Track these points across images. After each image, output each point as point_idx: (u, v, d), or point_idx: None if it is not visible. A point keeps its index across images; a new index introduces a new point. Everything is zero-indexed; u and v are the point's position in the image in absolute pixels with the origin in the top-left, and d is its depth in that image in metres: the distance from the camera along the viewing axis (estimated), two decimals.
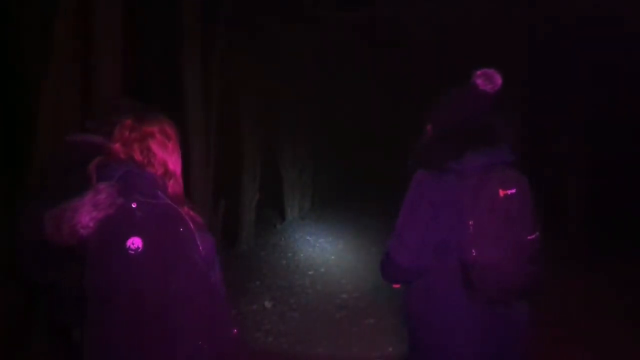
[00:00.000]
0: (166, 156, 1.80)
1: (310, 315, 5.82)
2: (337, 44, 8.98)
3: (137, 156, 1.76)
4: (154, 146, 1.78)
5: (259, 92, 9.64)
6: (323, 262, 8.59)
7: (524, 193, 1.99)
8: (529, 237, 1.96)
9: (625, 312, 5.49)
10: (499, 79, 2.14)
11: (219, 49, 7.75)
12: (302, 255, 9.09)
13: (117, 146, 1.78)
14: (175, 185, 1.81)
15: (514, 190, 1.95)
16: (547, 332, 4.49)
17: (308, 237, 10.64)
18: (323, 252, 9.44)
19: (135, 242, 1.55)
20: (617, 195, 9.23)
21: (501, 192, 1.93)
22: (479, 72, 2.16)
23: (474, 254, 1.89)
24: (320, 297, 6.53)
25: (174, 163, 1.83)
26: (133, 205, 1.60)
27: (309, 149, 13.29)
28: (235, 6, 7.79)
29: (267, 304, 6.11)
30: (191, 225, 1.66)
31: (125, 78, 4.34)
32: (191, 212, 1.74)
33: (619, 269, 7.19)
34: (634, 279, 6.71)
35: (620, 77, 7.51)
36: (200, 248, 1.66)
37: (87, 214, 1.60)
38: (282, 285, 7.07)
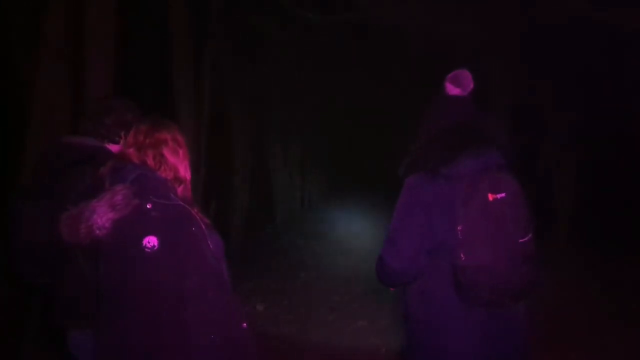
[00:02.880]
0: (177, 163, 1.87)
1: (302, 317, 5.80)
2: (328, 46, 8.99)
3: (150, 161, 1.82)
4: (167, 153, 1.85)
5: (250, 94, 9.63)
6: (315, 263, 8.59)
7: (515, 196, 1.99)
8: (521, 240, 1.96)
9: (614, 311, 5.56)
10: (469, 81, 2.14)
11: (210, 51, 7.74)
12: (293, 257, 9.08)
13: (131, 150, 1.84)
14: (184, 190, 1.88)
15: (503, 194, 1.95)
16: (537, 332, 4.52)
17: (299, 239, 10.63)
18: (314, 253, 9.43)
19: (151, 241, 1.63)
20: (605, 197, 9.33)
21: (490, 196, 1.93)
22: (449, 75, 2.16)
23: (463, 257, 1.90)
24: (313, 299, 6.52)
25: (184, 170, 1.90)
26: (148, 206, 1.68)
27: (299, 151, 13.30)
28: (226, 9, 7.79)
29: (259, 307, 6.09)
30: (202, 225, 1.74)
31: (115, 79, 4.32)
32: (200, 214, 1.81)
33: (608, 269, 7.27)
34: (622, 278, 6.78)
35: (609, 79, 7.59)
36: (211, 246, 1.74)
37: (104, 214, 1.67)
38: (273, 287, 7.05)
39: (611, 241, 8.45)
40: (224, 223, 9.24)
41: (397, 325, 4.58)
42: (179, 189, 1.86)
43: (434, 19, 7.14)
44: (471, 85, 2.13)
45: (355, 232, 11.23)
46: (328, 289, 6.99)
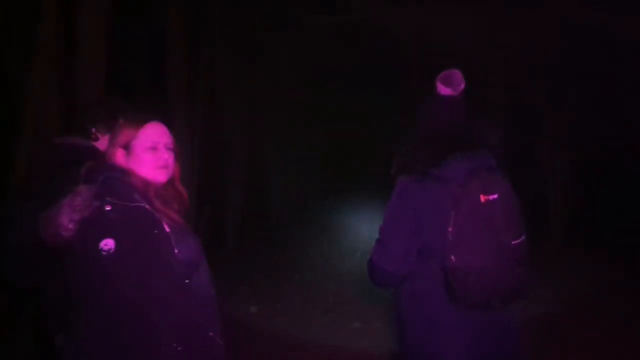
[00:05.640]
0: None
1: (296, 319, 5.79)
2: (325, 47, 8.99)
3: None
4: None
5: (246, 95, 9.62)
6: (309, 265, 8.57)
7: (507, 198, 1.98)
8: (513, 242, 1.95)
9: (613, 312, 5.57)
10: (460, 81, 2.12)
11: (205, 52, 7.73)
12: (288, 258, 9.06)
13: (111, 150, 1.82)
14: (171, 190, 1.84)
15: (495, 196, 1.94)
16: (535, 334, 4.53)
17: (294, 241, 10.61)
18: (309, 255, 9.41)
19: (108, 244, 1.59)
20: (601, 198, 9.36)
21: (482, 198, 1.92)
22: (439, 75, 2.15)
23: (453, 259, 1.89)
24: (307, 301, 6.50)
25: None
26: (107, 208, 1.64)
27: (295, 153, 13.29)
28: (222, 10, 7.78)
29: (253, 309, 6.07)
30: (166, 227, 1.68)
31: (109, 80, 4.31)
32: (174, 215, 1.76)
33: (604, 271, 7.29)
34: (619, 279, 6.80)
35: (606, 81, 7.61)
36: (176, 250, 1.68)
37: (66, 215, 1.64)
38: (268, 289, 7.04)
39: (607, 243, 8.48)
40: (219, 225, 9.22)
41: (391, 327, 4.57)
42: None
43: (433, 20, 7.16)
44: (462, 85, 2.11)
45: (350, 233, 11.22)
46: (323, 290, 6.98)
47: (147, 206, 1.68)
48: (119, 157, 1.79)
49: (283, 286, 7.23)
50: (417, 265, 2.00)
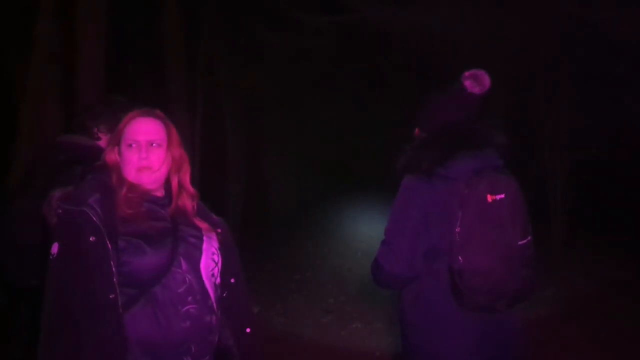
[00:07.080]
0: None
1: (296, 320, 5.78)
2: (324, 48, 8.98)
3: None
4: None
5: (245, 97, 9.61)
6: (309, 265, 8.56)
7: (514, 198, 1.97)
8: (520, 242, 1.94)
9: (614, 312, 5.56)
10: (487, 81, 2.11)
11: (203, 54, 7.73)
12: (287, 259, 9.05)
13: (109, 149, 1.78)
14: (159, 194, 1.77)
15: (502, 196, 1.92)
16: (537, 334, 4.52)
17: (293, 241, 10.60)
18: (309, 255, 9.40)
19: (54, 248, 1.55)
20: (600, 198, 9.35)
21: (489, 198, 1.90)
22: (467, 74, 2.12)
23: (461, 261, 1.87)
24: (307, 302, 6.49)
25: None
26: (59, 211, 1.60)
27: (294, 153, 13.28)
28: (220, 12, 7.78)
29: (253, 309, 6.06)
30: (105, 236, 1.54)
31: (107, 81, 4.31)
32: (145, 224, 1.63)
33: (605, 270, 7.28)
34: (619, 279, 6.79)
35: (606, 81, 7.61)
36: (112, 262, 1.53)
37: (47, 215, 1.68)
38: (268, 289, 7.02)
39: (608, 243, 8.47)
40: None
41: (391, 328, 4.57)
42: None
43: (433, 20, 7.16)
44: (488, 85, 2.10)
45: (351, 233, 11.21)
46: (322, 290, 6.97)
47: (86, 210, 1.55)
48: (114, 155, 1.72)
49: (283, 286, 7.22)
50: (422, 266, 1.98)
